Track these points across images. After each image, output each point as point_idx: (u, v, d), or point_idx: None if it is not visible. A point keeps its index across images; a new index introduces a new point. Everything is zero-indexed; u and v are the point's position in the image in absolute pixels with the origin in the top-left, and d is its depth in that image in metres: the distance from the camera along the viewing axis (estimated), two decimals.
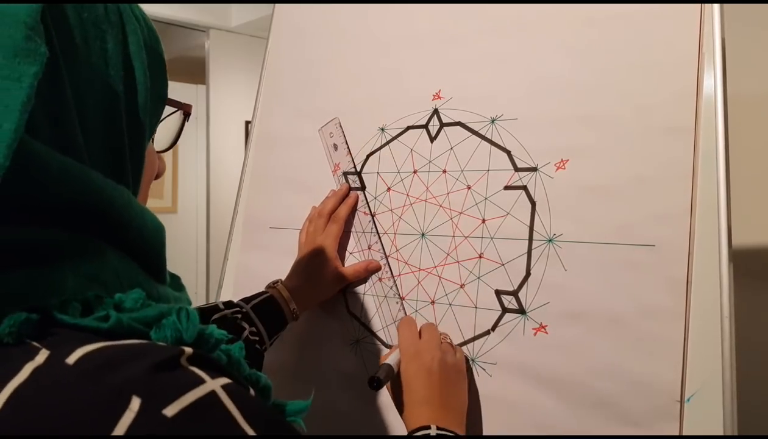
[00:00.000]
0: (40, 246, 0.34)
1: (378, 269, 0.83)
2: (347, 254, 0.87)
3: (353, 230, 0.87)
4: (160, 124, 0.51)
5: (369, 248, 0.85)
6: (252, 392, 0.37)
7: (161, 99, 0.47)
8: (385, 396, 0.80)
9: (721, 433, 0.58)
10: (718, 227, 0.61)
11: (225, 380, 0.34)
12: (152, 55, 0.46)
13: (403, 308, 0.80)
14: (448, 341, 0.73)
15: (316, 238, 0.84)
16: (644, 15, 0.69)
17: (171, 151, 0.56)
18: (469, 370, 0.73)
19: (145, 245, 0.41)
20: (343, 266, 0.85)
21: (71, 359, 0.31)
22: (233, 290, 0.97)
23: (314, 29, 0.98)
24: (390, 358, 0.70)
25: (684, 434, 0.60)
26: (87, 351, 0.32)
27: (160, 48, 0.47)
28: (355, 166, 0.88)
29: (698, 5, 0.66)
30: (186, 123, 0.53)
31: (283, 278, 0.83)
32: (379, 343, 0.82)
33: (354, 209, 0.87)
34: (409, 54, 0.87)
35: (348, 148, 0.89)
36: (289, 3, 1.02)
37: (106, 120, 0.41)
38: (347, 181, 0.88)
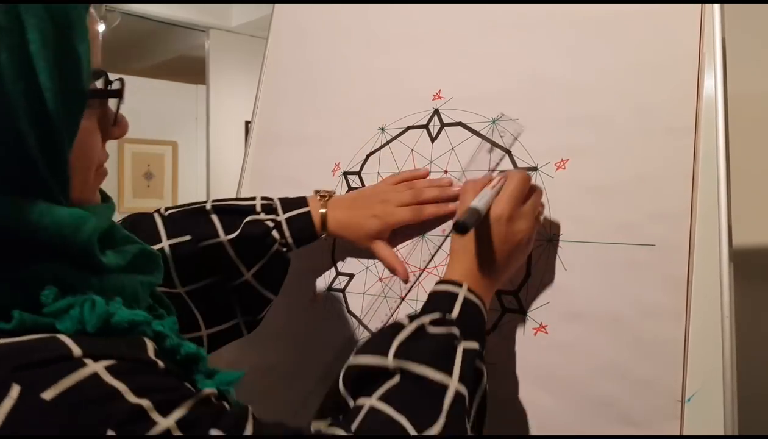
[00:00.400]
0: None
1: (405, 280, 0.79)
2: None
3: (419, 235, 0.80)
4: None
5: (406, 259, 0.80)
6: (160, 365, 0.42)
7: (79, 93, 0.44)
8: None
9: (721, 433, 0.58)
10: (718, 226, 0.61)
11: (110, 362, 0.39)
12: (61, 50, 0.42)
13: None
14: (533, 198, 0.66)
15: (390, 199, 0.77)
16: (644, 15, 0.69)
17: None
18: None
19: (67, 245, 0.43)
20: (389, 242, 0.79)
21: None
22: None
23: (314, 29, 0.98)
24: (481, 200, 0.62)
25: (684, 434, 0.60)
26: None
27: (75, 37, 0.43)
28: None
29: (698, 5, 0.66)
30: (121, 104, 0.50)
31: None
32: None
33: (440, 220, 0.78)
34: (409, 54, 0.87)
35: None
36: (289, 3, 1.02)
37: (4, 137, 0.40)
38: (347, 181, 0.89)
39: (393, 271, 0.79)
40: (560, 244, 0.70)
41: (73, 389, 0.37)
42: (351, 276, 0.85)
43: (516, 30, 0.78)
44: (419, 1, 0.87)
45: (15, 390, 0.36)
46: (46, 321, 0.40)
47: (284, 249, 0.78)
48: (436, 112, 0.82)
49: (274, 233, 0.76)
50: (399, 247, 0.81)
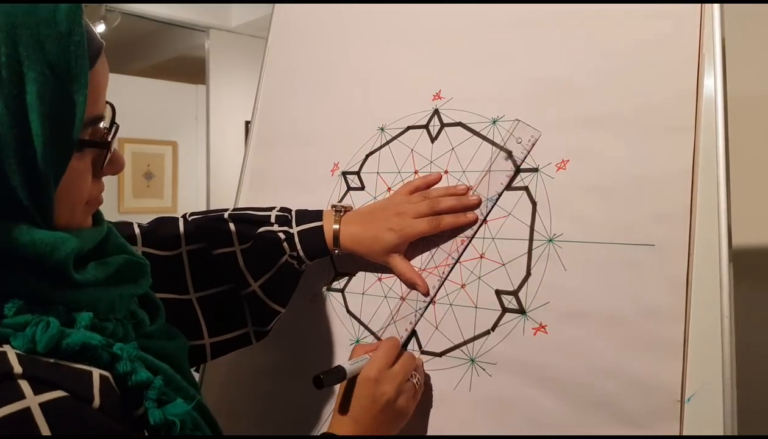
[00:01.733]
0: None
1: (426, 294, 0.77)
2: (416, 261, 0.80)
3: (438, 247, 0.78)
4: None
5: (433, 268, 0.78)
6: (96, 403, 0.43)
7: (69, 142, 0.46)
8: None
9: (721, 433, 0.58)
10: (718, 227, 0.61)
11: (50, 396, 0.40)
12: (57, 101, 0.44)
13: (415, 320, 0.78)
14: (416, 380, 0.71)
15: (407, 218, 0.76)
16: (644, 15, 0.69)
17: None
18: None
19: (43, 261, 0.45)
20: (405, 256, 0.78)
21: None
22: None
23: (314, 29, 0.98)
24: (352, 363, 0.70)
25: (684, 434, 0.60)
26: None
27: (74, 90, 0.45)
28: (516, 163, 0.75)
29: (698, 5, 0.66)
30: (109, 155, 0.51)
31: None
32: None
33: (458, 230, 0.76)
34: (409, 54, 0.86)
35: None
36: (288, 3, 1.02)
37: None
38: (346, 181, 0.88)
39: (413, 285, 0.78)
40: (560, 244, 0.70)
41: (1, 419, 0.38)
42: (350, 276, 0.85)
43: (516, 30, 0.78)
44: (419, 1, 0.87)
45: None
46: (3, 332, 0.43)
47: (295, 262, 0.78)
48: (436, 112, 0.82)
49: (285, 245, 0.77)
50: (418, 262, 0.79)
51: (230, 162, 3.45)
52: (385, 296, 0.82)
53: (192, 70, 3.64)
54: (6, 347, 0.42)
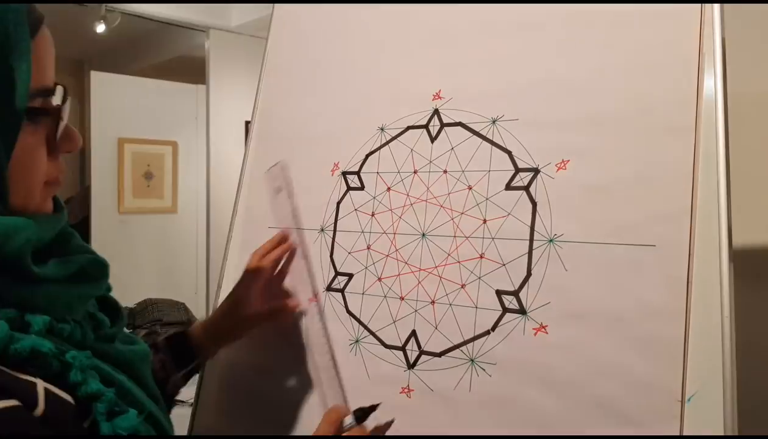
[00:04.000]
0: None
1: (295, 306, 0.86)
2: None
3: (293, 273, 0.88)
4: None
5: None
6: (39, 408, 0.41)
7: (13, 112, 0.45)
8: (384, 398, 0.79)
9: (721, 433, 0.58)
10: (718, 226, 0.61)
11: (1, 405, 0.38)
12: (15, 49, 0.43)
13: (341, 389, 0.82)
14: None
15: (239, 279, 0.86)
16: (644, 15, 0.69)
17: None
18: None
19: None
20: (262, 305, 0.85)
21: None
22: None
23: (314, 29, 0.98)
24: None
25: (684, 434, 0.60)
26: None
27: (13, 58, 0.44)
28: (295, 214, 0.91)
29: (698, 5, 0.66)
30: (61, 124, 0.50)
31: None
32: (378, 342, 0.81)
33: (290, 257, 0.89)
34: (409, 54, 0.86)
35: (288, 190, 0.91)
36: (288, 3, 1.02)
37: None
38: (346, 181, 0.88)
39: (282, 309, 0.86)
40: (561, 244, 0.70)
41: None
42: (350, 276, 0.85)
43: (516, 30, 0.78)
44: (419, 1, 0.87)
45: None
46: None
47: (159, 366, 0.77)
48: (436, 112, 0.82)
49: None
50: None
51: (230, 162, 3.44)
52: (385, 296, 0.82)
53: (192, 70, 3.64)
54: None
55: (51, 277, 0.47)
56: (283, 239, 0.89)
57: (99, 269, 0.54)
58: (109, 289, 0.58)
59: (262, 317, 0.85)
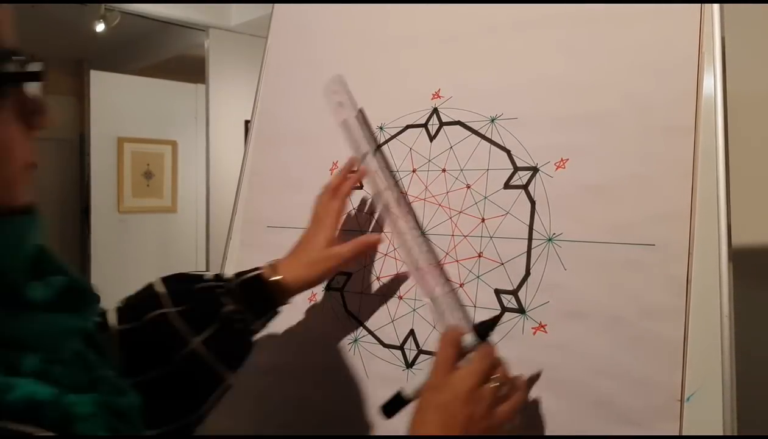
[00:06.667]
0: None
1: (377, 242, 0.79)
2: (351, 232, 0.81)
3: (363, 207, 0.83)
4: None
5: (374, 222, 0.81)
6: None
7: None
8: (383, 398, 0.79)
9: (721, 432, 0.58)
10: (718, 226, 0.61)
11: None
12: None
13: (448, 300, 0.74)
14: (497, 377, 0.61)
15: (319, 213, 0.79)
16: (644, 15, 0.69)
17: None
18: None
19: None
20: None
21: None
22: None
23: (313, 29, 0.98)
24: (413, 381, 0.65)
25: (684, 433, 0.60)
26: None
27: None
28: (366, 121, 0.84)
29: (698, 5, 0.66)
30: (38, 88, 0.43)
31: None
32: (376, 342, 0.81)
33: (361, 184, 0.82)
34: (408, 53, 0.86)
35: (354, 105, 0.86)
36: (288, 2, 1.02)
37: None
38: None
39: (371, 246, 0.80)
40: (560, 243, 0.70)
41: None
42: (349, 275, 0.85)
43: (515, 30, 0.78)
44: (419, 1, 0.86)
45: None
46: None
47: (239, 318, 0.69)
48: (435, 111, 0.82)
49: (223, 298, 0.69)
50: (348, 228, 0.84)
51: (230, 161, 3.44)
52: (384, 296, 0.82)
53: (192, 69, 3.64)
54: None
55: (39, 304, 0.39)
56: (353, 164, 0.82)
57: (80, 295, 0.45)
58: (95, 324, 0.47)
59: (356, 250, 0.77)
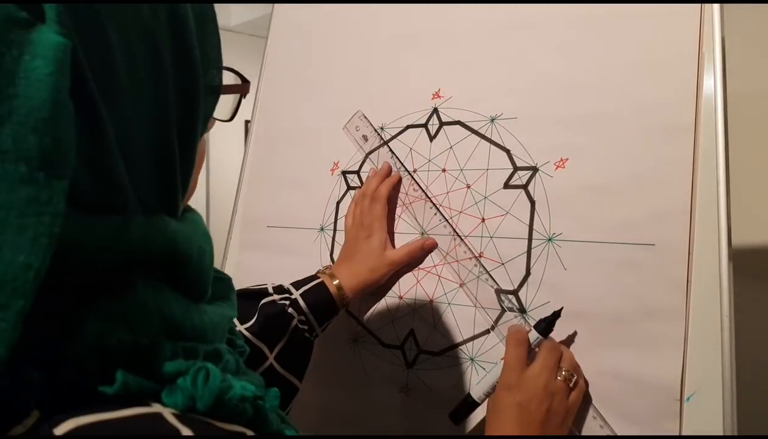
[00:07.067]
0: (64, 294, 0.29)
1: (433, 247, 0.78)
2: (396, 235, 0.83)
3: (400, 209, 0.82)
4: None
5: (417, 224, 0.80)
6: None
7: (214, 90, 0.38)
8: (383, 397, 0.79)
9: (721, 432, 0.58)
10: (718, 226, 0.61)
11: None
12: (204, 32, 0.36)
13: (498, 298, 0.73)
14: (565, 369, 0.63)
15: (363, 219, 0.80)
16: (644, 15, 0.69)
17: None
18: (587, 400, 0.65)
19: (195, 270, 0.36)
20: (393, 247, 0.81)
21: (59, 431, 0.27)
22: None
23: (313, 29, 0.98)
24: (480, 384, 0.66)
25: (684, 433, 0.60)
26: (79, 425, 0.27)
27: (211, 11, 0.37)
28: (391, 150, 0.84)
29: (698, 5, 0.66)
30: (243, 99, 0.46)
31: (282, 276, 0.81)
32: (377, 341, 0.81)
33: (397, 189, 0.82)
34: (408, 53, 0.86)
35: (378, 134, 0.86)
36: (288, 2, 1.02)
37: (155, 149, 0.34)
38: (346, 180, 0.88)
39: (425, 252, 0.79)
40: (560, 243, 0.70)
41: None
42: None
43: (515, 29, 0.78)
44: (419, 1, 0.86)
45: None
46: (152, 388, 0.31)
47: (305, 328, 0.72)
48: (435, 111, 0.82)
49: (291, 311, 0.71)
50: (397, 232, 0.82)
51: (230, 161, 3.44)
52: (384, 296, 0.82)
53: None
54: (157, 407, 0.30)
55: (209, 296, 0.39)
56: (389, 171, 0.83)
57: (223, 281, 0.45)
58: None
59: (413, 255, 0.78)
